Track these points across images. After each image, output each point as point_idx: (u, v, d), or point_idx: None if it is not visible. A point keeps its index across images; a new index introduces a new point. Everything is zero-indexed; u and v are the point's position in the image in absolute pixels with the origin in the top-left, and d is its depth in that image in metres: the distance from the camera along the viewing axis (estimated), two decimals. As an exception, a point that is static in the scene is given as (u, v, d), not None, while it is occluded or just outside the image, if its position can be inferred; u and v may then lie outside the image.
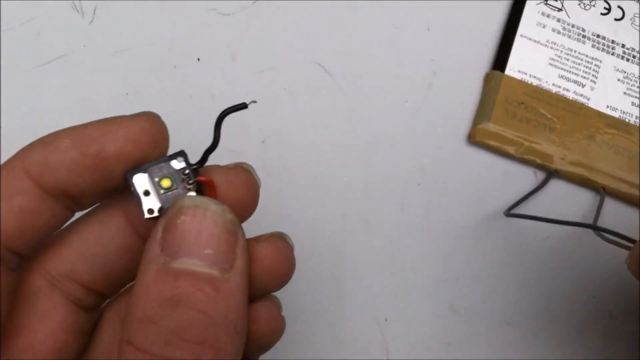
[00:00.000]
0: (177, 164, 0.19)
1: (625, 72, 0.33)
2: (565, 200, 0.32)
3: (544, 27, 0.33)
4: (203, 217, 0.17)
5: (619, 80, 0.33)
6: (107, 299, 0.21)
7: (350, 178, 0.31)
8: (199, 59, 0.32)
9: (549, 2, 0.33)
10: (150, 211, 0.19)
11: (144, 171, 0.19)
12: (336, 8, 0.33)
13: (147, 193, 0.19)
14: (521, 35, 0.33)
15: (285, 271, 0.20)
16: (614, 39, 0.33)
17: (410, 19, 0.33)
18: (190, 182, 0.19)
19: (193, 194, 0.19)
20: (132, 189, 0.19)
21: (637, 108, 0.32)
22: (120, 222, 0.20)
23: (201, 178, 0.19)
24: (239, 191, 0.19)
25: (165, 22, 0.33)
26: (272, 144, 0.32)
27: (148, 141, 0.18)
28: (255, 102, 0.19)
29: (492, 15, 0.34)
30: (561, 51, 0.33)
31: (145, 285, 0.17)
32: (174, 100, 0.32)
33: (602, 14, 0.33)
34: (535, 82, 0.32)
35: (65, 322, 0.19)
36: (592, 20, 0.33)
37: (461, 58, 0.33)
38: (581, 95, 0.32)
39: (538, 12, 0.33)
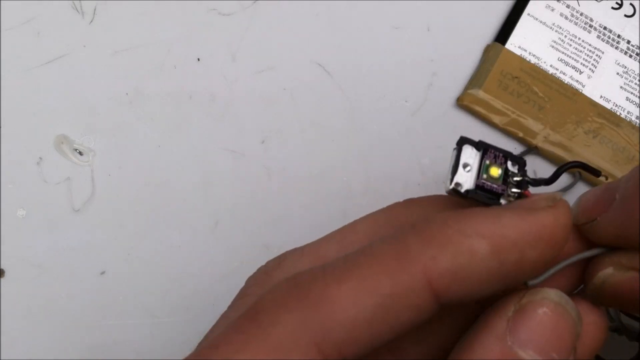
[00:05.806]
0: (511, 166, 0.17)
1: (625, 67, 0.33)
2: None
3: (553, 10, 0.33)
4: (563, 319, 0.16)
5: (617, 74, 0.33)
6: None
7: (350, 178, 0.31)
8: (199, 59, 0.32)
9: None
10: (457, 186, 0.17)
11: (479, 148, 0.17)
12: (336, 8, 0.33)
13: (466, 166, 0.17)
14: (528, 14, 0.33)
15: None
16: (620, 34, 0.33)
17: (410, 19, 0.33)
18: (515, 191, 0.17)
19: (504, 202, 0.17)
20: (454, 152, 0.17)
21: (632, 104, 0.32)
22: None
23: (527, 192, 0.17)
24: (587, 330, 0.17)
25: (165, 22, 0.33)
26: (272, 144, 0.32)
27: (562, 241, 0.16)
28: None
29: (493, 16, 0.34)
30: (565, 36, 0.33)
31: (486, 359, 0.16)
32: (174, 100, 0.32)
33: (613, 8, 0.33)
34: (533, 60, 0.32)
35: None
36: (602, 12, 0.33)
37: (461, 58, 0.33)
38: (577, 81, 0.32)
39: None
